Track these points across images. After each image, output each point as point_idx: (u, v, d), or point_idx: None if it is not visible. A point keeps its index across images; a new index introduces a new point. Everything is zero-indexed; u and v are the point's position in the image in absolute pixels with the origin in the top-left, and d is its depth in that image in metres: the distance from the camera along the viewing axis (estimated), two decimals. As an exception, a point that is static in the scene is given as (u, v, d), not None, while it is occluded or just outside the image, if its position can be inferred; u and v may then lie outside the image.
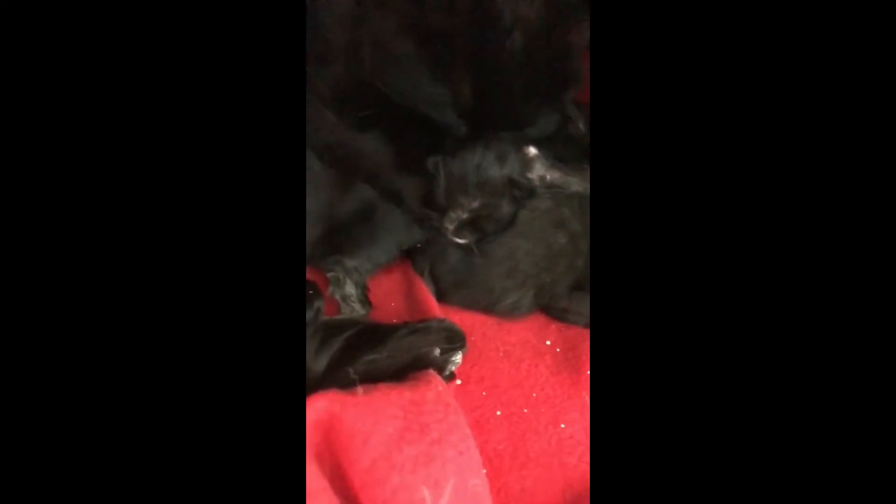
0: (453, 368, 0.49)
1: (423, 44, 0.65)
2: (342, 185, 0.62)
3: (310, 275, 0.60)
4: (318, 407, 0.38)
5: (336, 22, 0.68)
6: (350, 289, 0.58)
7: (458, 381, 0.49)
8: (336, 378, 0.43)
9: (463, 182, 0.57)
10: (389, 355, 0.45)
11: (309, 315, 0.51)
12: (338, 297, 0.58)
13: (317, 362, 0.43)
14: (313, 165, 0.62)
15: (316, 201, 0.60)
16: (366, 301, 0.59)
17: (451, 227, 0.58)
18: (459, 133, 0.64)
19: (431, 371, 0.45)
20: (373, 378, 0.43)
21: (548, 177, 0.60)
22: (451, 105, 0.65)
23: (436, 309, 0.56)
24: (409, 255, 0.63)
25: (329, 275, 0.58)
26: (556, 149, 0.62)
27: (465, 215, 0.58)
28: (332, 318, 0.50)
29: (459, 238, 0.58)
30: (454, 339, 0.50)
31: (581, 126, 0.64)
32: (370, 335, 0.46)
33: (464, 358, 0.50)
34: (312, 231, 0.59)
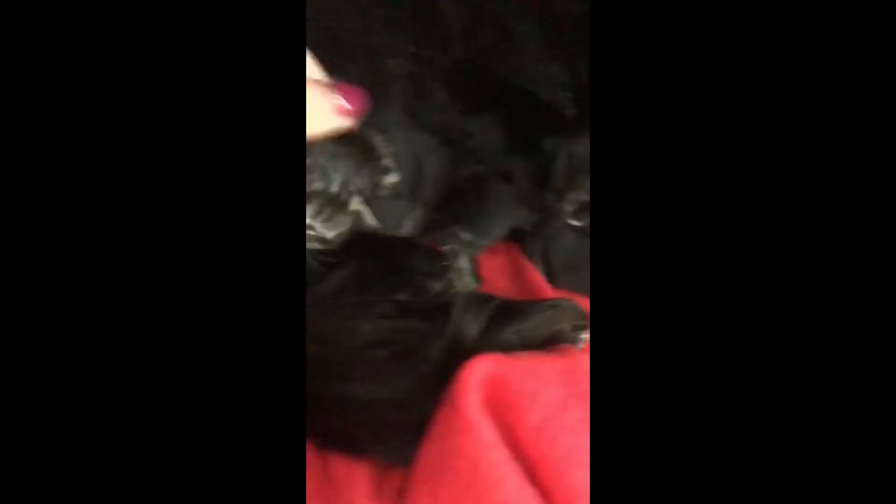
0: (581, 346, 0.50)
1: (542, 25, 0.66)
2: (456, 160, 0.63)
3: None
4: (484, 367, 0.39)
5: (454, 2, 0.69)
6: (464, 262, 0.59)
7: (582, 359, 0.50)
8: (490, 344, 0.43)
9: (587, 164, 0.58)
10: (533, 327, 0.46)
11: (441, 285, 0.52)
12: (452, 269, 0.59)
13: (471, 328, 0.44)
14: (429, 140, 0.63)
15: (432, 172, 0.61)
16: (477, 276, 0.59)
17: (569, 209, 0.59)
18: (575, 115, 0.65)
19: (569, 346, 0.46)
20: (520, 347, 0.44)
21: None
22: (568, 87, 0.66)
23: (549, 291, 0.57)
24: (515, 237, 0.64)
25: (445, 247, 0.59)
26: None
27: (586, 197, 0.58)
28: (474, 291, 0.51)
29: (577, 221, 0.59)
30: (579, 319, 0.50)
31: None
32: (512, 307, 0.47)
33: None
34: (430, 201, 0.60)
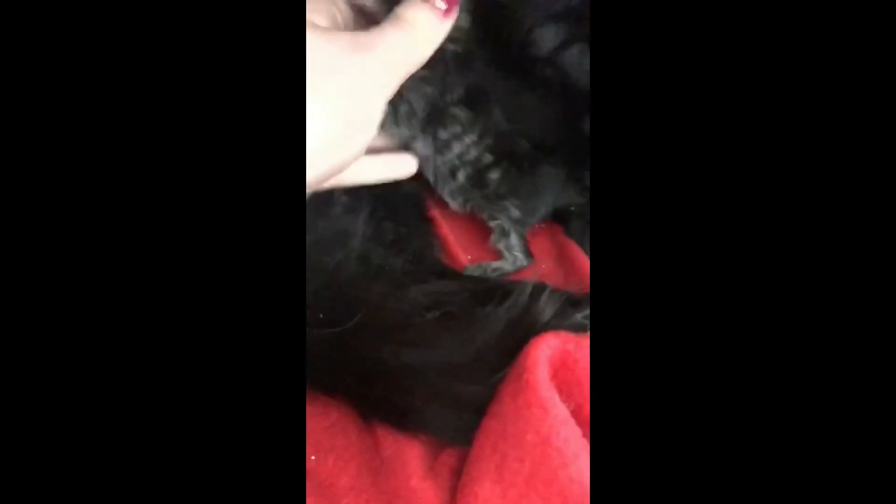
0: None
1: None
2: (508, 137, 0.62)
3: (469, 222, 0.61)
4: (553, 343, 0.39)
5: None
6: (514, 239, 0.58)
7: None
8: (560, 326, 0.43)
9: None
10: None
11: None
12: (501, 247, 0.58)
13: (544, 314, 0.43)
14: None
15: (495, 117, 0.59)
16: (529, 253, 0.59)
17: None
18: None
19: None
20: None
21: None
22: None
23: (596, 272, 0.56)
24: (556, 218, 0.63)
25: (493, 223, 0.59)
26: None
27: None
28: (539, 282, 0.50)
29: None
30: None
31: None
32: (580, 297, 0.46)
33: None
34: (489, 145, 0.59)
